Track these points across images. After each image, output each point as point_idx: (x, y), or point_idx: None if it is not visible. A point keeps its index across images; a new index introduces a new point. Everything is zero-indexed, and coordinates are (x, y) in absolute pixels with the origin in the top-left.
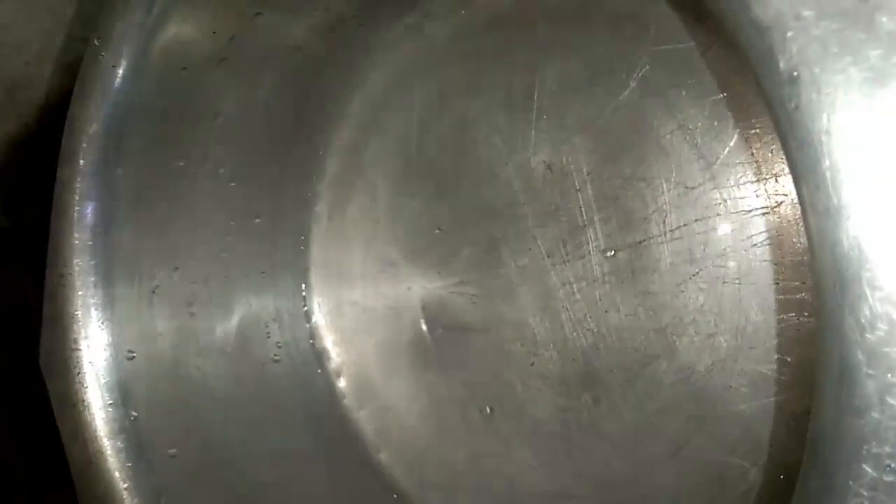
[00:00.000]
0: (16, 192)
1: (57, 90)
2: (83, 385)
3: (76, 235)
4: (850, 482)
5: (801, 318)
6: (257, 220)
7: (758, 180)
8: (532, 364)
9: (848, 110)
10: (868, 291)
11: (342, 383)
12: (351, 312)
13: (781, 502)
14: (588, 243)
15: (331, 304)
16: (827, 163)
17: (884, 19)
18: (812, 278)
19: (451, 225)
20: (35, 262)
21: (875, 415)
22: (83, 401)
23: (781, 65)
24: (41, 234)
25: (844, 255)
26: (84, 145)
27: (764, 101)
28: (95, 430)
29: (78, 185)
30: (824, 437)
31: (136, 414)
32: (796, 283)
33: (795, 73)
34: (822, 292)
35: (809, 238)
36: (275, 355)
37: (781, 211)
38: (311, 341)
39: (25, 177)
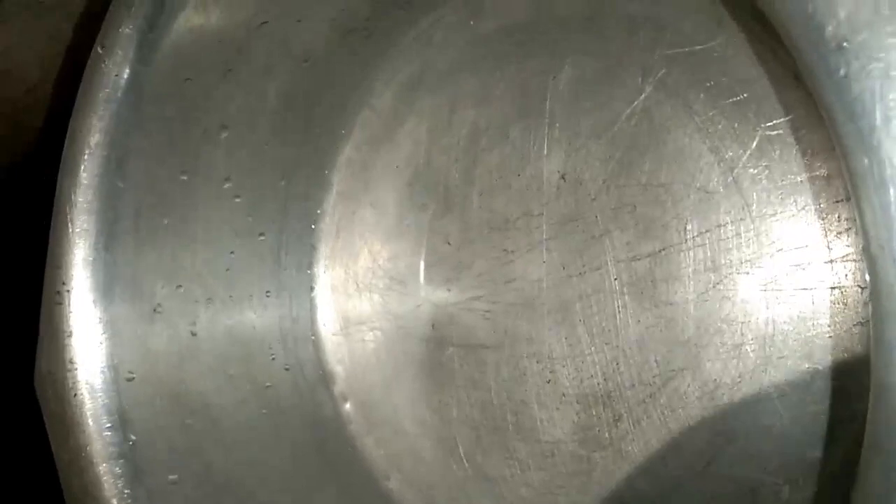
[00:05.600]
0: (16, 218)
1: (59, 116)
2: (80, 407)
3: (75, 250)
4: None
5: (833, 325)
6: (262, 238)
7: (782, 183)
8: (548, 381)
9: None
10: None
11: (349, 407)
12: (358, 333)
13: None
14: (605, 253)
15: (337, 324)
16: (882, 133)
17: None
18: (864, 249)
19: (462, 238)
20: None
21: None
22: (80, 424)
23: (828, 32)
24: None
25: None
26: (85, 156)
27: (806, 73)
28: (92, 455)
29: (78, 198)
30: (891, 429)
31: (134, 437)
32: (826, 288)
33: (844, 42)
34: (878, 272)
35: (862, 216)
36: (279, 378)
37: (807, 214)
38: (316, 363)
39: (26, 204)
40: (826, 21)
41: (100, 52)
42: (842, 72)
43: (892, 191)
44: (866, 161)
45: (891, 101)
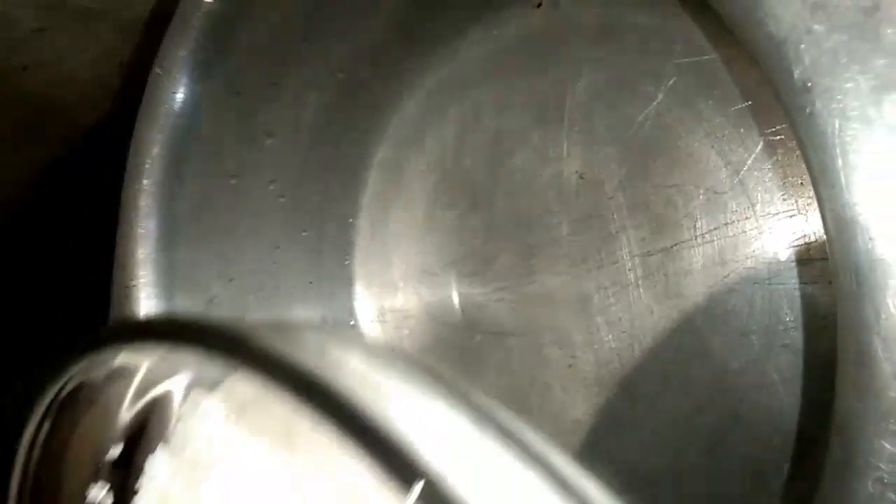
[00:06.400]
0: (62, 214)
1: (106, 116)
2: None
3: (140, 250)
4: (871, 458)
5: (831, 316)
6: (304, 234)
7: (784, 184)
8: (569, 366)
9: (858, 115)
10: (882, 282)
11: None
12: (393, 320)
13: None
14: (621, 249)
15: (374, 312)
16: (840, 163)
17: (889, 31)
18: (831, 270)
19: (488, 234)
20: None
21: (892, 394)
22: None
23: (796, 75)
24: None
25: (860, 248)
26: (147, 166)
27: (782, 109)
28: None
29: (141, 203)
30: (846, 419)
31: None
32: (825, 282)
33: (809, 84)
34: (840, 283)
35: (828, 234)
36: None
37: (808, 213)
38: None
39: (72, 201)
40: (795, 65)
41: (159, 72)
42: (808, 110)
43: (850, 215)
44: (828, 188)
45: (847, 136)
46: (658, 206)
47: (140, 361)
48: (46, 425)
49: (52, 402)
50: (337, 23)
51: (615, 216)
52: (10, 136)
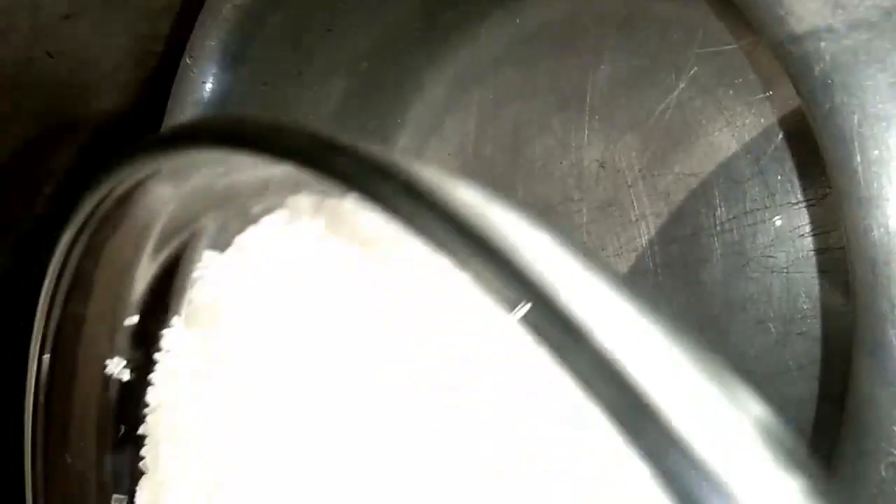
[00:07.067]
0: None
1: (131, 104)
2: None
3: None
4: (883, 443)
5: (847, 305)
6: None
7: (804, 174)
8: None
9: (876, 112)
10: None
11: None
12: None
13: None
14: (641, 236)
15: None
16: (858, 158)
17: None
18: (848, 262)
19: None
20: None
21: None
22: None
23: (816, 71)
24: None
25: (876, 241)
26: None
27: (802, 103)
28: None
29: None
30: (860, 405)
31: None
32: (842, 271)
33: (829, 80)
34: (857, 275)
35: (845, 226)
36: None
37: (827, 202)
38: None
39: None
40: (815, 62)
41: (188, 61)
42: (827, 106)
43: (867, 209)
44: (846, 183)
45: (865, 132)
46: (678, 194)
47: (165, 192)
48: (66, 277)
49: (72, 242)
50: (360, 12)
51: (635, 204)
52: (34, 123)
